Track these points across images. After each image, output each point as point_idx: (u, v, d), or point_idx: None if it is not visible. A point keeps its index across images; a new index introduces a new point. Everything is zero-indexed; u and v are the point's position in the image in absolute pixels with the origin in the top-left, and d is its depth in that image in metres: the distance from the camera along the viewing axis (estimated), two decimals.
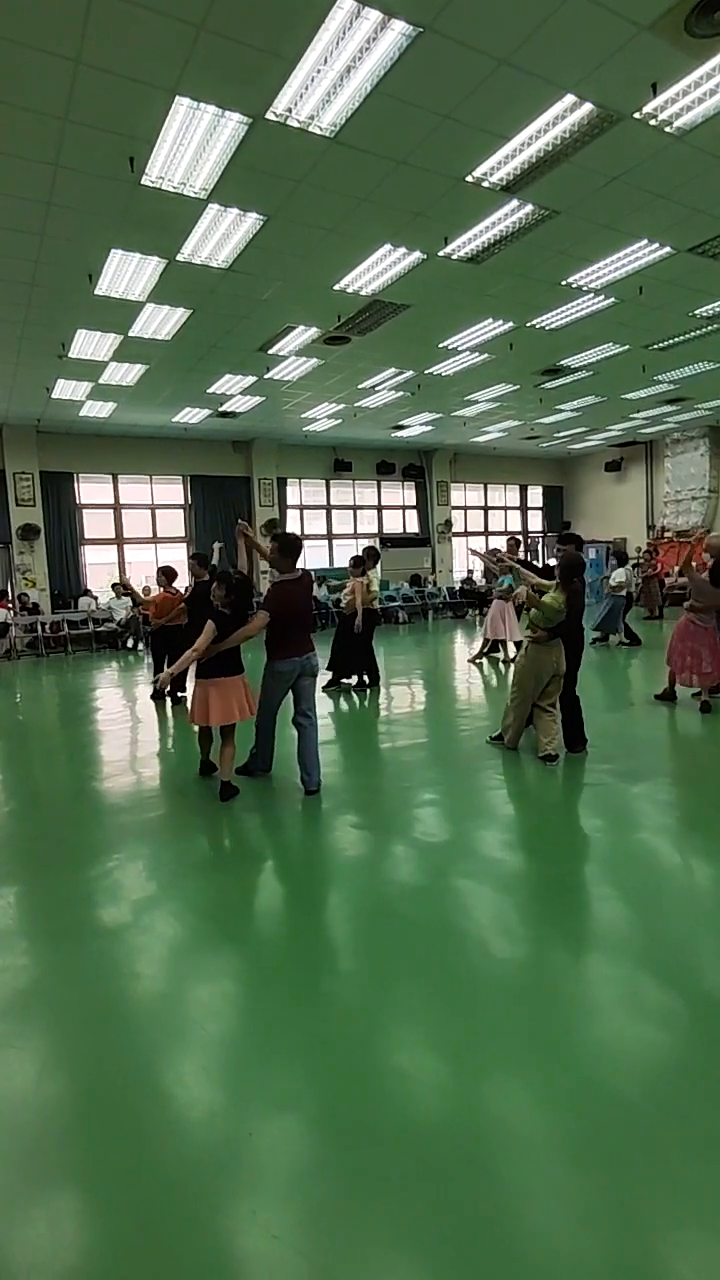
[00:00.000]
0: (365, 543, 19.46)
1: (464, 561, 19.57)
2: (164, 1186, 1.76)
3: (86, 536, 15.39)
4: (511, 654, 9.92)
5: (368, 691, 8.33)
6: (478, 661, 10.26)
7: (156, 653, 8.79)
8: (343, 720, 7.19)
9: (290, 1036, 2.31)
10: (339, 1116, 1.96)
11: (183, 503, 16.45)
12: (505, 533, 21.03)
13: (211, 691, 4.70)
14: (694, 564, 6.77)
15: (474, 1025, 2.34)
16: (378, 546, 8.11)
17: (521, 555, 6.56)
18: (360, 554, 8.45)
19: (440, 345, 9.94)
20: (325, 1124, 1.94)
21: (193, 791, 5.00)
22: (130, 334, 8.81)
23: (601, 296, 8.33)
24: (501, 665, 9.91)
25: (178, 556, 16.72)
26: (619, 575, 11.02)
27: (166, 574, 8.58)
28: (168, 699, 8.28)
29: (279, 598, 4.74)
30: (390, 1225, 1.63)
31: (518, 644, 9.64)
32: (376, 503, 19.05)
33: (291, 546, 4.86)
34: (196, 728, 5.20)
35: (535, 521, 22.05)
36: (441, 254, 6.94)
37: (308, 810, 4.54)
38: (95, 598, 14.85)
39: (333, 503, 18.38)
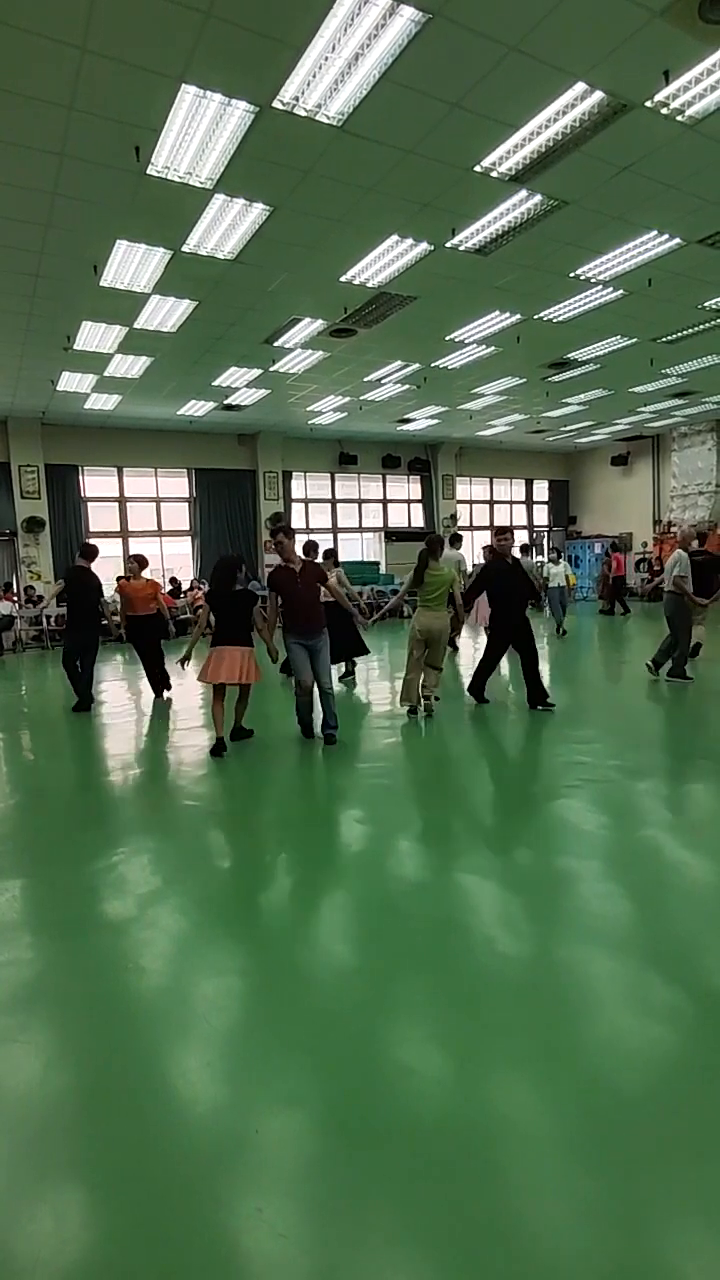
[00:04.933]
0: (369, 537, 19.51)
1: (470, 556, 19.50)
2: (169, 1182, 1.75)
3: (91, 529, 15.39)
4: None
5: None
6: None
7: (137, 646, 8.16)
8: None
9: (295, 1032, 2.30)
10: (344, 1113, 1.95)
11: (188, 496, 16.43)
12: (511, 527, 20.97)
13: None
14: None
15: (480, 1022, 2.33)
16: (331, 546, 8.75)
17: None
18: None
19: (447, 338, 9.89)
20: (330, 1121, 1.93)
21: (197, 784, 5.01)
22: (136, 326, 8.79)
23: (610, 289, 8.27)
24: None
25: (182, 550, 16.75)
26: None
27: (139, 561, 8.12)
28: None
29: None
30: (396, 1223, 1.62)
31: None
32: (382, 496, 19.00)
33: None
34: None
35: (541, 516, 21.98)
36: (449, 245, 6.89)
37: (312, 804, 4.54)
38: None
39: (338, 496, 18.35)
